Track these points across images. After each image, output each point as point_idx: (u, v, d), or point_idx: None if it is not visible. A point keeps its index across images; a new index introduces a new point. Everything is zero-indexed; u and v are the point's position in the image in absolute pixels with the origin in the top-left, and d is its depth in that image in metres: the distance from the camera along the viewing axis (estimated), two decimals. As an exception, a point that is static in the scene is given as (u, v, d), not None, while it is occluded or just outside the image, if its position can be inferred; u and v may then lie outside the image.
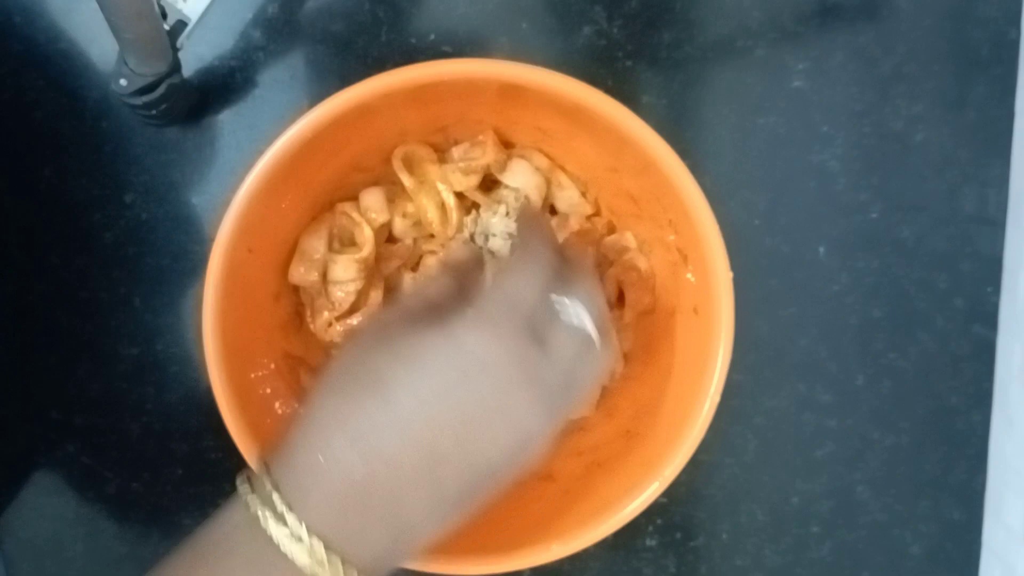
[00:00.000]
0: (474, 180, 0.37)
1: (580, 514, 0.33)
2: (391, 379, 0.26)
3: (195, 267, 0.41)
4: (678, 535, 0.43)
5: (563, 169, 0.38)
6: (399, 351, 0.27)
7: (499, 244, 0.37)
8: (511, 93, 0.32)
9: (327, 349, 0.39)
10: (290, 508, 0.25)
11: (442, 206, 0.37)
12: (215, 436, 0.42)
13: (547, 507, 0.34)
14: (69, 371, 0.42)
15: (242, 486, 0.27)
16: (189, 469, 0.42)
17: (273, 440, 0.29)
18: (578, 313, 0.28)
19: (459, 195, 0.37)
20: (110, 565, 0.43)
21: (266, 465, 0.27)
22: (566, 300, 0.28)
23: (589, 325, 0.28)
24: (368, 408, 0.26)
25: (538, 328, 0.27)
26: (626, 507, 0.32)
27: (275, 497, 0.25)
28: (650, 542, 0.43)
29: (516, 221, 0.37)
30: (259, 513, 0.25)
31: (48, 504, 0.43)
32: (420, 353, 0.27)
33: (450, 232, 0.38)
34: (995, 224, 0.41)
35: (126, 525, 0.43)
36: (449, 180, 0.37)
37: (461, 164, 0.37)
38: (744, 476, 0.42)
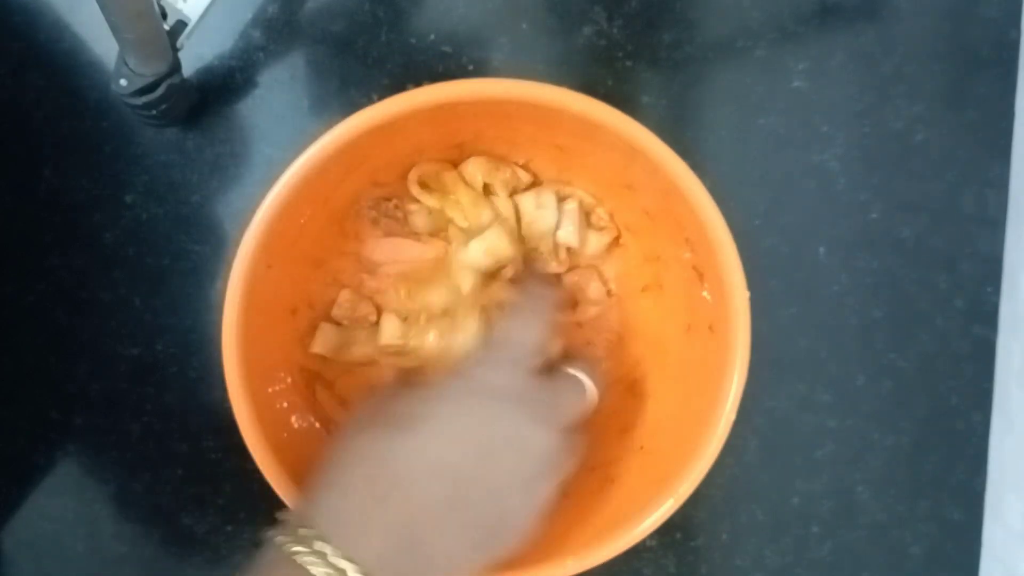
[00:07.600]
0: (505, 172, 0.36)
1: (595, 529, 0.33)
2: (416, 416, 0.29)
3: (195, 267, 0.41)
4: (678, 535, 0.43)
5: (571, 183, 0.38)
6: (419, 393, 0.30)
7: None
8: (529, 111, 0.32)
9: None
10: (342, 554, 0.25)
11: (468, 204, 0.37)
12: (215, 436, 0.42)
13: (562, 522, 0.34)
14: (69, 371, 0.42)
15: (279, 537, 0.26)
16: (189, 469, 0.42)
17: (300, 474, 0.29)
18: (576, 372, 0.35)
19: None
20: (110, 565, 0.43)
21: (298, 511, 0.27)
22: (569, 370, 0.35)
23: (582, 376, 0.34)
24: (398, 444, 0.28)
25: (536, 364, 0.32)
26: (641, 523, 0.32)
27: (322, 545, 0.25)
28: (650, 542, 0.43)
29: (513, 283, 0.38)
30: (305, 562, 0.25)
31: (48, 504, 0.43)
32: (439, 392, 0.30)
33: (481, 218, 0.37)
34: (995, 224, 0.41)
35: (126, 525, 0.43)
36: (471, 170, 0.37)
37: (490, 159, 0.37)
38: (744, 476, 0.42)
